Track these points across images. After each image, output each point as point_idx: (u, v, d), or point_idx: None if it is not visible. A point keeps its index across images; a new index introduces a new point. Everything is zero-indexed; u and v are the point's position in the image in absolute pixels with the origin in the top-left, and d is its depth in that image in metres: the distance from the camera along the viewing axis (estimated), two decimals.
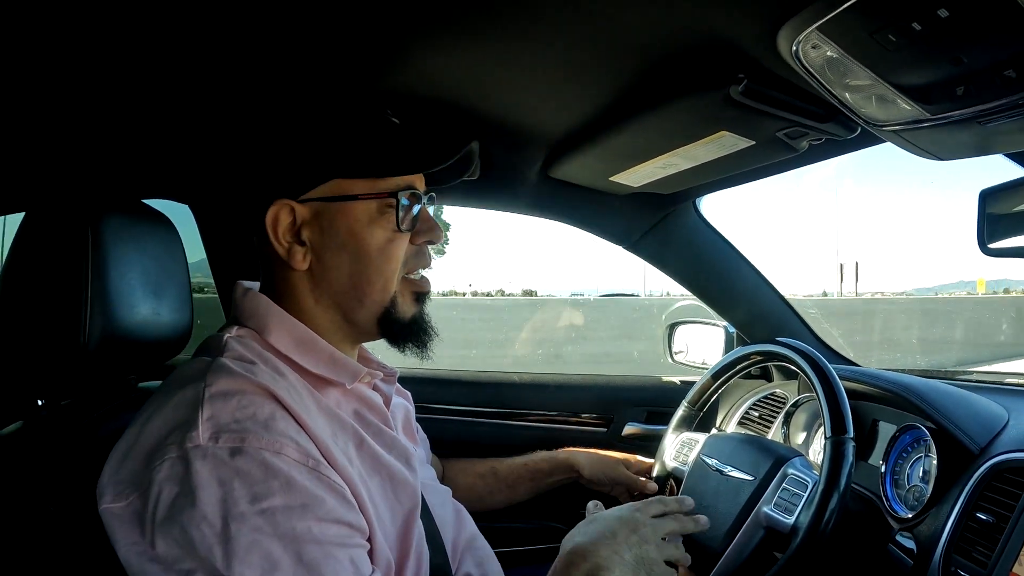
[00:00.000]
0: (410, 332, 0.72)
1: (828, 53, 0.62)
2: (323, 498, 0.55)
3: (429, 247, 0.74)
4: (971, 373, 1.23)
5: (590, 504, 0.85)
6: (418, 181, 0.71)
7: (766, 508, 0.88)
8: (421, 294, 0.73)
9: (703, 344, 1.40)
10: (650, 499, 0.80)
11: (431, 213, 0.76)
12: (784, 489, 0.88)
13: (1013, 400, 0.99)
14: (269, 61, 0.75)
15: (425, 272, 0.74)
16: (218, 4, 0.61)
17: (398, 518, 0.65)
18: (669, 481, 1.09)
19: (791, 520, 0.84)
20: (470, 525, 0.84)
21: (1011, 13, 0.50)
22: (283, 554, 0.51)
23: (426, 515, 0.73)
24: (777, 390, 1.29)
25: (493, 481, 1.08)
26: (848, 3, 0.54)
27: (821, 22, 0.57)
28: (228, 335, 0.64)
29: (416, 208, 0.70)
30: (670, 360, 1.47)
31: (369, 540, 0.59)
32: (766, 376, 1.33)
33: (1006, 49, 0.55)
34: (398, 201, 0.67)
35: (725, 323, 1.39)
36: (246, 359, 0.61)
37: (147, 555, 0.52)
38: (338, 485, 0.57)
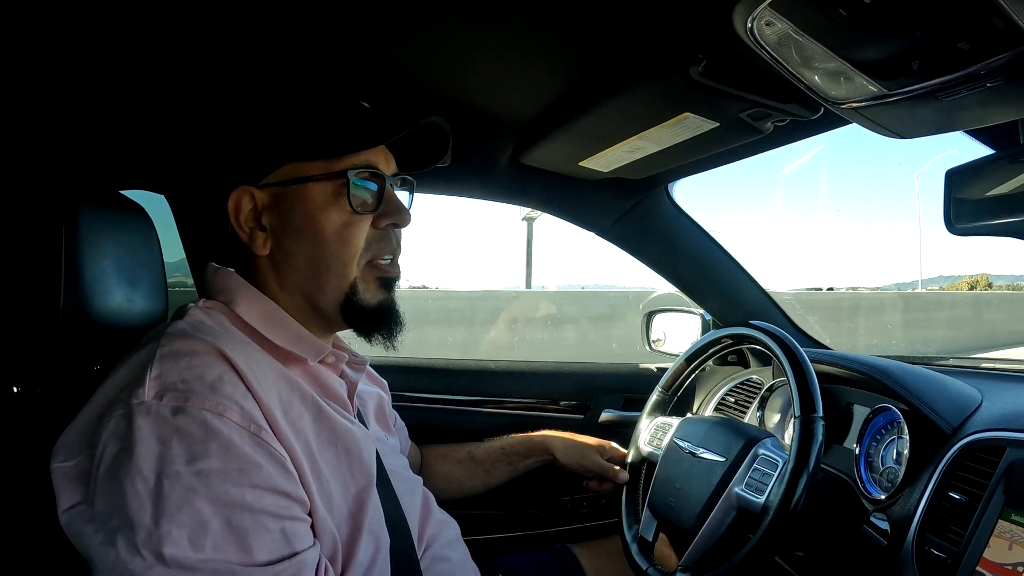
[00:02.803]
0: (374, 320, 0.71)
1: (783, 30, 0.62)
2: (261, 465, 0.54)
3: (396, 230, 0.72)
4: (947, 359, 1.23)
5: None
6: (381, 162, 0.70)
7: (737, 488, 0.88)
8: (387, 280, 0.71)
9: (680, 331, 1.41)
10: None
11: (409, 199, 0.75)
12: (755, 469, 0.89)
13: (988, 383, 1.00)
14: (240, 51, 0.75)
15: (393, 257, 0.72)
16: None
17: (349, 494, 0.65)
18: (644, 465, 1.09)
19: (761, 499, 0.85)
20: (438, 513, 0.84)
21: None
22: (213, 516, 0.51)
23: (392, 500, 0.72)
24: (753, 376, 1.30)
25: (471, 466, 1.08)
26: None
27: None
28: (195, 305, 0.65)
29: (374, 189, 0.68)
30: (647, 348, 1.47)
31: (310, 514, 0.59)
32: (742, 362, 1.34)
33: (957, 21, 0.56)
34: (348, 181, 0.66)
35: (702, 311, 1.40)
36: (205, 324, 0.62)
37: (85, 515, 0.52)
38: (279, 454, 0.56)
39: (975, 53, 0.58)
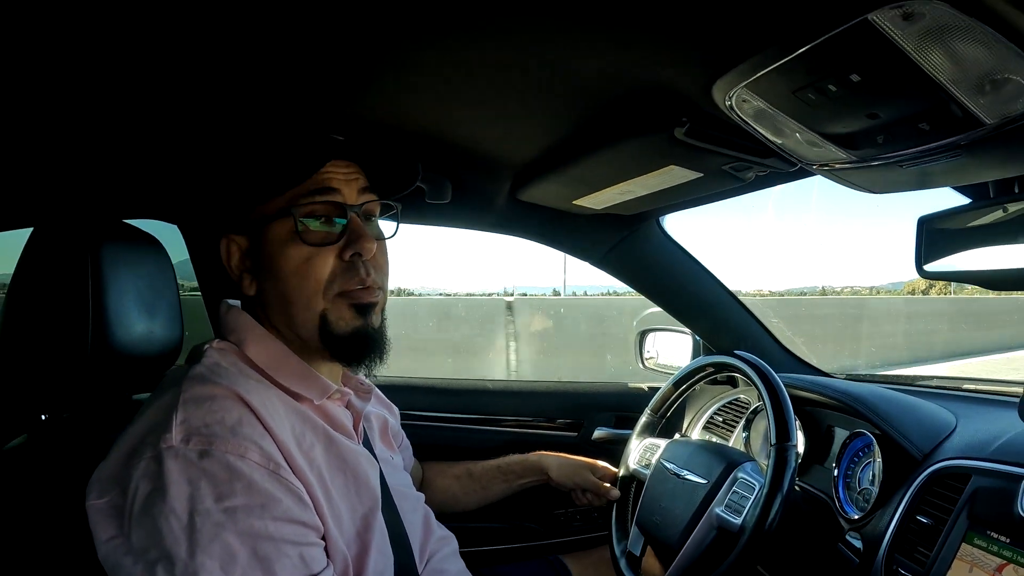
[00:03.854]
0: (352, 347, 0.70)
1: (758, 105, 0.66)
2: (280, 499, 0.59)
3: (361, 260, 0.69)
4: (930, 379, 1.27)
5: None
6: (344, 192, 0.69)
7: (717, 509, 0.93)
8: (360, 306, 0.70)
9: (672, 350, 1.46)
10: None
11: (395, 225, 0.77)
12: (734, 492, 0.94)
13: (965, 407, 1.04)
14: (245, 94, 0.78)
15: (368, 282, 0.70)
16: (206, 40, 0.65)
17: (357, 516, 0.69)
18: (633, 483, 1.15)
19: (739, 520, 0.90)
20: (438, 529, 0.89)
21: (916, 78, 0.55)
22: (240, 548, 0.56)
23: (395, 518, 0.77)
24: (741, 396, 1.35)
25: (468, 482, 1.13)
26: (769, 67, 0.59)
27: (748, 81, 0.62)
28: (209, 346, 0.69)
29: (335, 221, 0.69)
30: (641, 365, 1.52)
31: (324, 538, 0.64)
32: (731, 382, 1.38)
33: (915, 107, 0.60)
34: (295, 216, 0.67)
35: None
36: (221, 367, 0.66)
37: (123, 548, 0.57)
38: (296, 487, 0.61)
39: (935, 132, 0.63)
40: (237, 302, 0.75)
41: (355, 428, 0.77)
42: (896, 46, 0.51)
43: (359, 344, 0.70)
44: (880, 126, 0.64)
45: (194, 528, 0.55)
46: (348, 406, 0.78)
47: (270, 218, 0.68)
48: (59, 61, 0.67)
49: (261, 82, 0.76)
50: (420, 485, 1.10)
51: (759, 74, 0.60)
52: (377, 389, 0.89)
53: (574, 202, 1.09)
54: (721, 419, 1.35)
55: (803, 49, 0.55)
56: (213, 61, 0.69)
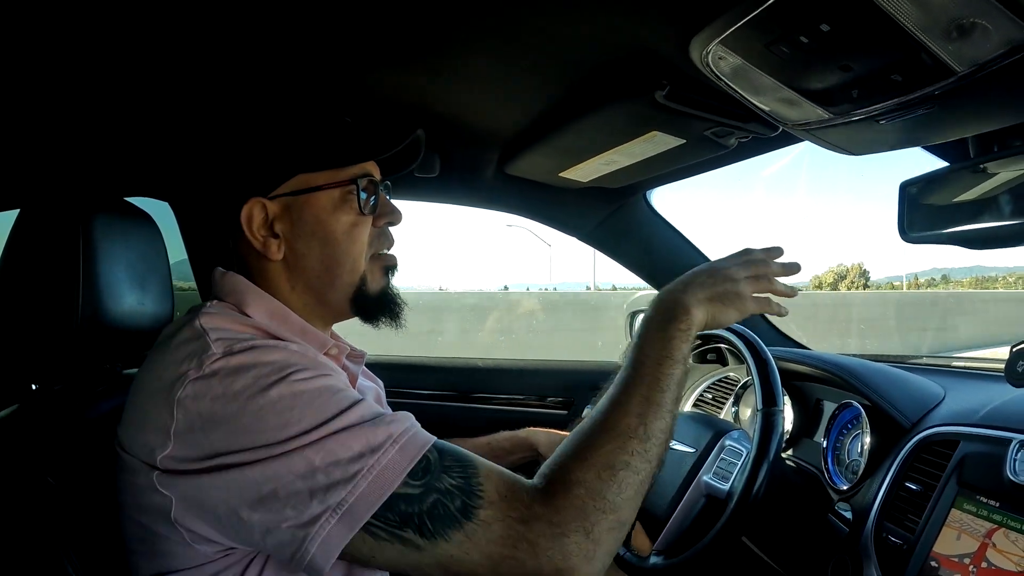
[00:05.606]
0: (381, 305, 0.77)
1: (735, 62, 0.67)
2: (332, 367, 0.64)
3: (390, 228, 0.79)
4: (920, 358, 1.28)
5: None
6: (374, 170, 0.76)
7: (705, 477, 0.94)
8: (389, 267, 0.78)
9: None
10: (736, 252, 0.78)
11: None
12: (721, 459, 0.95)
13: (954, 380, 1.05)
14: (246, 73, 0.81)
15: (390, 250, 0.79)
16: (204, 14, 0.68)
17: None
18: None
19: (727, 487, 0.90)
20: None
21: (885, 26, 0.56)
22: (317, 394, 0.58)
23: None
24: (731, 373, 1.35)
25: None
26: (741, 21, 0.60)
27: (723, 36, 0.63)
28: (208, 305, 0.70)
29: (372, 193, 0.75)
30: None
31: None
32: (721, 360, 1.39)
33: (886, 57, 0.61)
34: (358, 187, 0.73)
35: None
36: (224, 317, 0.67)
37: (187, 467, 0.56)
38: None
39: (908, 84, 0.64)
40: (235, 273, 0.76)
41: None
42: None
43: (385, 303, 0.78)
44: (854, 79, 0.65)
45: (272, 401, 0.56)
46: (344, 368, 0.79)
47: (319, 188, 0.72)
48: (54, 47, 0.69)
49: (255, 60, 0.78)
50: None
51: (732, 28, 0.61)
52: (364, 366, 0.89)
53: (560, 174, 1.10)
54: (711, 396, 1.35)
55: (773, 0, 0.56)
56: (211, 40, 0.72)
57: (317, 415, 0.56)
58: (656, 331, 0.68)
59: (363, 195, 0.73)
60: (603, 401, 0.66)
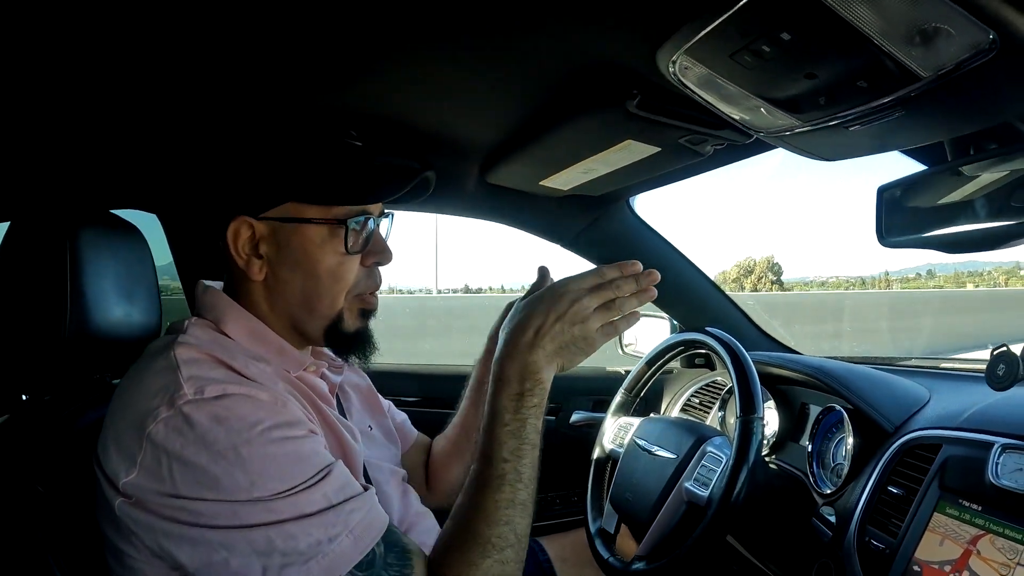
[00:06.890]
0: (352, 344, 0.77)
1: (701, 72, 0.67)
2: (301, 419, 0.64)
3: (379, 267, 0.77)
4: (909, 359, 1.28)
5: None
6: (371, 205, 0.74)
7: (687, 483, 0.94)
8: (367, 311, 0.77)
9: (651, 335, 1.46)
10: (587, 273, 0.72)
11: (388, 228, 0.80)
12: (702, 465, 0.95)
13: (939, 382, 1.04)
14: (229, 83, 0.81)
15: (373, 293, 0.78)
16: (188, 30, 0.68)
17: None
18: (608, 462, 1.15)
19: (707, 493, 0.90)
20: (416, 504, 0.89)
21: (846, 33, 0.56)
22: (282, 456, 0.59)
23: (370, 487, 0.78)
24: (718, 378, 1.36)
25: (467, 446, 1.01)
26: (704, 31, 0.60)
27: (687, 46, 0.63)
28: (189, 322, 0.70)
29: (367, 231, 0.73)
30: (620, 351, 1.53)
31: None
32: (709, 365, 1.39)
33: (850, 64, 0.61)
34: (347, 228, 0.71)
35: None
36: (202, 339, 0.68)
37: (174, 506, 0.57)
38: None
39: (874, 90, 0.64)
40: (214, 283, 0.77)
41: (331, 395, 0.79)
42: (820, 0, 0.52)
43: (358, 342, 0.77)
44: (820, 87, 0.65)
45: (242, 457, 0.57)
46: (323, 377, 0.80)
47: (309, 220, 0.70)
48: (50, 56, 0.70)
49: (242, 73, 0.78)
50: (427, 467, 1.06)
51: (696, 39, 0.61)
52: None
53: (541, 183, 1.10)
54: (698, 401, 1.35)
55: (733, 10, 0.56)
56: (192, 51, 0.72)
57: (285, 481, 0.59)
58: (510, 411, 0.68)
59: (352, 235, 0.71)
60: (463, 500, 0.68)
